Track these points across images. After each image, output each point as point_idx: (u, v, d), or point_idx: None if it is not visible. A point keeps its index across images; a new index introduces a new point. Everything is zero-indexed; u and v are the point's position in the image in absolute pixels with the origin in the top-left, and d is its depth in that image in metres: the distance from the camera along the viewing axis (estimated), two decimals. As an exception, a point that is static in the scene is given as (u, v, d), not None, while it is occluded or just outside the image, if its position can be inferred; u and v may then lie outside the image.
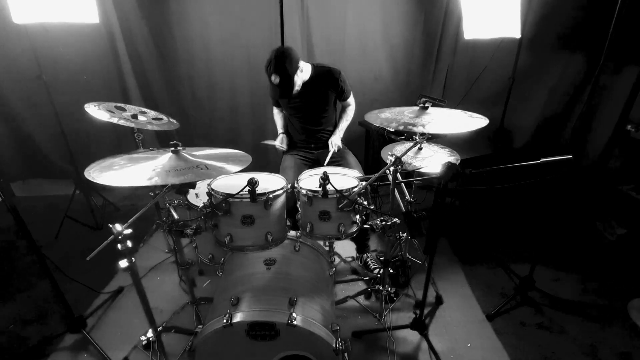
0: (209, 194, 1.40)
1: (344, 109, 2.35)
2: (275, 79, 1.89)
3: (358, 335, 1.83)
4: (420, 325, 1.71)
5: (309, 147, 2.31)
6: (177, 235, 1.48)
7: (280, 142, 2.29)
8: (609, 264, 2.37)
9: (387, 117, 1.64)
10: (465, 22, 2.69)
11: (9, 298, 2.10)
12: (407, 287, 2.16)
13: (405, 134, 1.84)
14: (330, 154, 2.15)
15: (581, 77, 2.78)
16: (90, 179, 1.14)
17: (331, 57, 3.10)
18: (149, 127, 1.92)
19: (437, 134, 1.51)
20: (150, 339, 1.68)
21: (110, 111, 1.88)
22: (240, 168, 1.32)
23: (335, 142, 2.20)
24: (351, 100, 2.33)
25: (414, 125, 1.48)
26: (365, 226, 1.64)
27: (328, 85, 2.16)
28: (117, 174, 1.19)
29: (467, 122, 1.50)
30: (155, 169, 1.21)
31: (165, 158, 1.29)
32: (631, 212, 2.50)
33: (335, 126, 2.32)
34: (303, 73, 2.03)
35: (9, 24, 2.11)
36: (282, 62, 1.86)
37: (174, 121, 2.08)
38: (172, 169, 1.22)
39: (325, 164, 2.11)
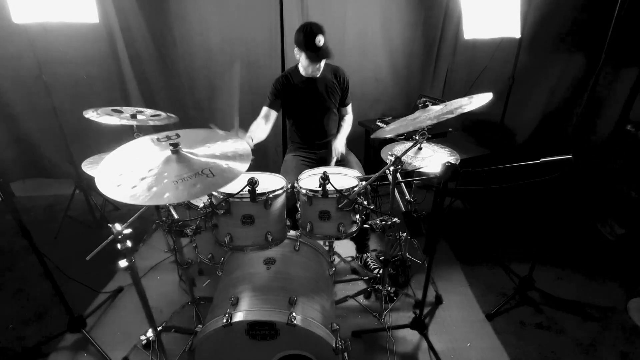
0: (209, 194, 1.40)
1: (342, 118, 2.33)
2: (320, 40, 1.90)
3: (358, 335, 1.83)
4: (420, 325, 1.71)
5: (313, 147, 2.27)
6: (177, 235, 1.48)
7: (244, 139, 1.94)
8: (608, 264, 2.37)
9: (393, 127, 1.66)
10: (465, 22, 2.69)
11: (9, 298, 2.11)
12: (406, 287, 2.16)
13: (405, 134, 1.84)
14: (334, 161, 2.11)
15: (581, 77, 2.78)
16: (87, 172, 1.14)
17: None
18: (150, 123, 1.93)
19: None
20: (150, 338, 1.68)
21: (109, 115, 1.90)
22: (243, 164, 1.30)
23: (338, 148, 2.13)
24: (350, 109, 2.33)
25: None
26: (365, 226, 1.64)
27: (336, 79, 2.19)
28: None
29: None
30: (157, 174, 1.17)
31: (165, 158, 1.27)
32: (631, 212, 2.50)
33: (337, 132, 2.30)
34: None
35: (9, 24, 2.11)
36: (320, 27, 1.91)
37: (173, 115, 2.09)
38: (178, 178, 1.12)
39: (332, 166, 2.06)
